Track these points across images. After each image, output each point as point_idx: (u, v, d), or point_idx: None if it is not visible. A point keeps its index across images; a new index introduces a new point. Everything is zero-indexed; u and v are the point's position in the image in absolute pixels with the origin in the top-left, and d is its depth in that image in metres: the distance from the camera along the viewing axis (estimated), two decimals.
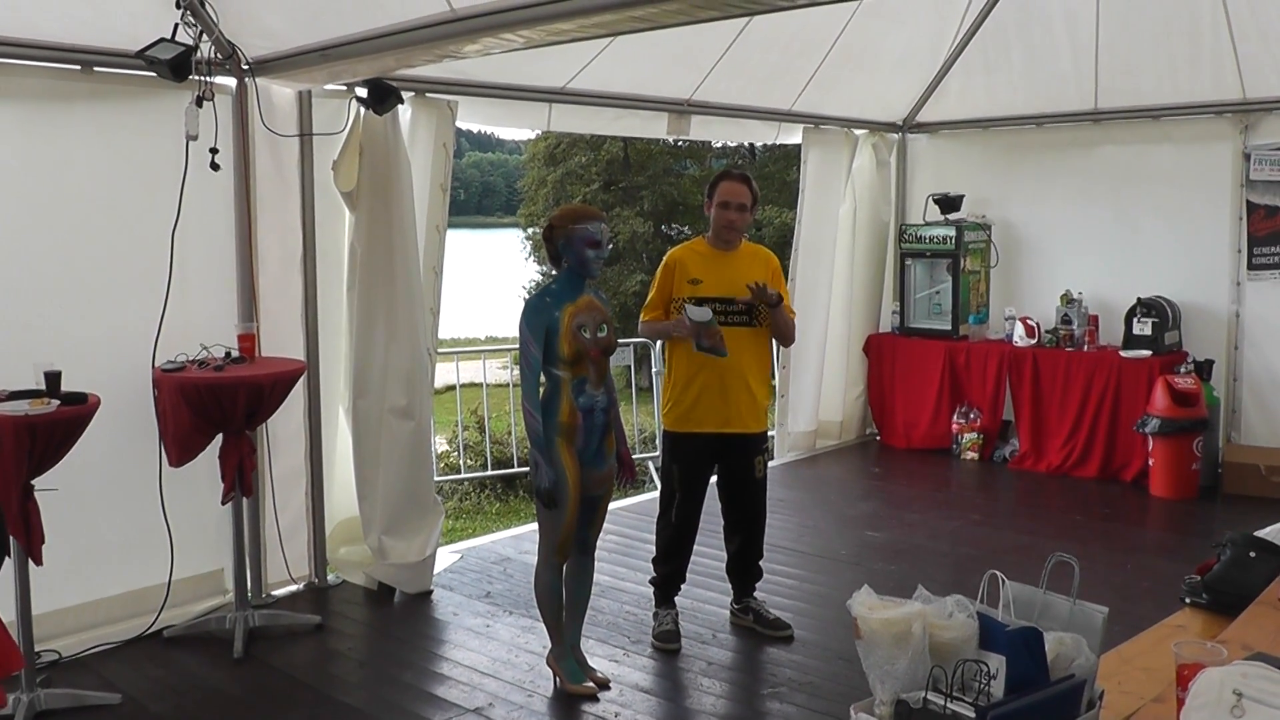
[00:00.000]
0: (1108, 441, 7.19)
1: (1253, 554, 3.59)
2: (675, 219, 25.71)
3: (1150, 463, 6.81)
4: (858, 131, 8.24)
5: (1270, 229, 6.87)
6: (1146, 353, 7.03)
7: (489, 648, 4.68)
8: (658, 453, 8.38)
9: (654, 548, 4.90)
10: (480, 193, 62.61)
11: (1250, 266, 6.98)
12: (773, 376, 6.76)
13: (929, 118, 8.39)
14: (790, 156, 27.10)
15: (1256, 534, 3.73)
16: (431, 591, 5.35)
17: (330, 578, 5.47)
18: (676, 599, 4.85)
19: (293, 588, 5.31)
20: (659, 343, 6.87)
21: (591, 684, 4.22)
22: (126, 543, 4.71)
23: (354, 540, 5.55)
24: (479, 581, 5.52)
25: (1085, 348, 7.40)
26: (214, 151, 4.60)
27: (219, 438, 4.55)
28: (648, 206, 23.80)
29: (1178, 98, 7.06)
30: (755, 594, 4.92)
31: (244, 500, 4.76)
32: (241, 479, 4.61)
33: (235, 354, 4.70)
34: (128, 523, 4.69)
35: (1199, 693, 1.89)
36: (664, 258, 4.80)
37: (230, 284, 4.99)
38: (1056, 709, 2.71)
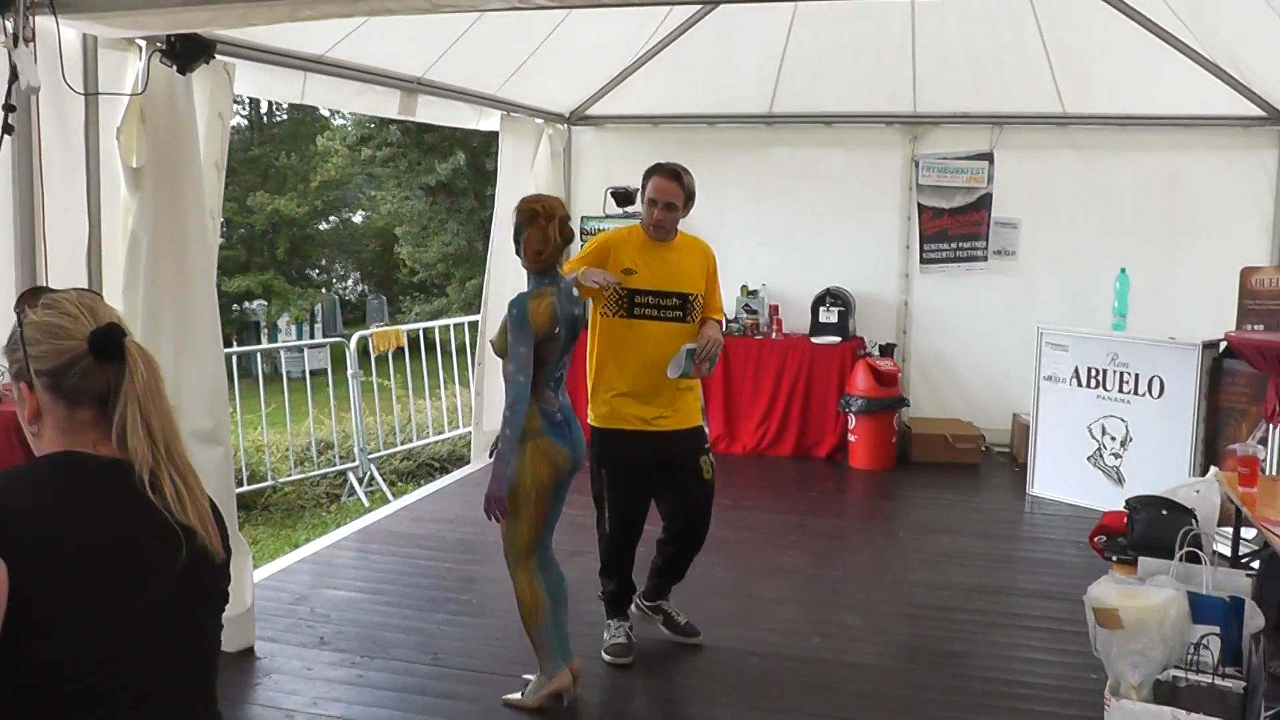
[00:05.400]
0: (801, 422, 7.77)
1: (1164, 512, 4.19)
2: None
3: (852, 439, 7.48)
4: (538, 121, 8.15)
5: (937, 228, 7.84)
6: (836, 339, 7.70)
7: (407, 702, 4.06)
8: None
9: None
10: None
11: (922, 261, 7.92)
12: None
13: (601, 112, 8.48)
14: (281, 140, 25.91)
15: (1159, 495, 4.34)
16: (252, 647, 4.52)
17: None
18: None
19: None
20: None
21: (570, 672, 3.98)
22: None
23: None
24: (298, 628, 4.74)
25: (774, 336, 7.94)
26: (10, 109, 3.51)
27: None
28: None
29: (853, 108, 7.79)
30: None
31: None
32: None
33: None
34: None
35: None
36: (601, 234, 4.49)
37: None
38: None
